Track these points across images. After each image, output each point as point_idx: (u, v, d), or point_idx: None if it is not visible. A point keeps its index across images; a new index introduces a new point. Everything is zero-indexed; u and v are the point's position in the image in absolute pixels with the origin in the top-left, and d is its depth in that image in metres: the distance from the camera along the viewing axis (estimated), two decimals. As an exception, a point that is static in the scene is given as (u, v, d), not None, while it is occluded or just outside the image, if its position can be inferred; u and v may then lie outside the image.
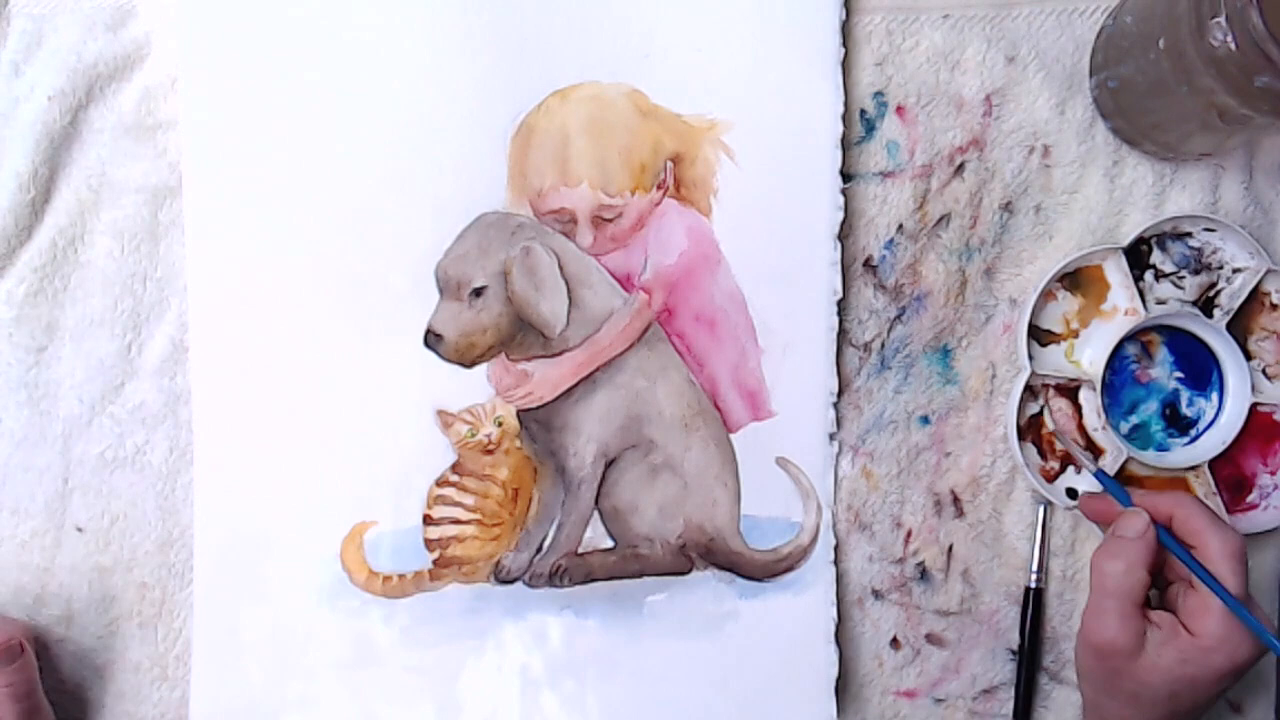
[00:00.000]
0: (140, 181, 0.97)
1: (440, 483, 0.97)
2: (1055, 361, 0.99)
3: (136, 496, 0.98)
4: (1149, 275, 0.99)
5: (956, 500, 1.00)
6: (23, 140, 0.96)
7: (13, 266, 0.97)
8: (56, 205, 0.97)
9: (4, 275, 0.97)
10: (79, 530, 0.98)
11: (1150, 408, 1.01)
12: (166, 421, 0.98)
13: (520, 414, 0.97)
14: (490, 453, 0.97)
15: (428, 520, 0.97)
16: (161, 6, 0.97)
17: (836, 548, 0.99)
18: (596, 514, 0.98)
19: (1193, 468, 0.99)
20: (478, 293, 0.95)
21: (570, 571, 0.97)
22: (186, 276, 0.97)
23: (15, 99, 0.97)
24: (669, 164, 0.96)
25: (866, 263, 0.98)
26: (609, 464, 0.98)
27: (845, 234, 0.97)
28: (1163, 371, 1.00)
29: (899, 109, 0.98)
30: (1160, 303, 0.99)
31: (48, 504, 0.98)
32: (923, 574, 1.00)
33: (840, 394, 0.98)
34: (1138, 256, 0.99)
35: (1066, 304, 0.99)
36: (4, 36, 0.97)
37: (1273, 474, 1.00)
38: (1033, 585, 1.00)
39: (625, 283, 0.97)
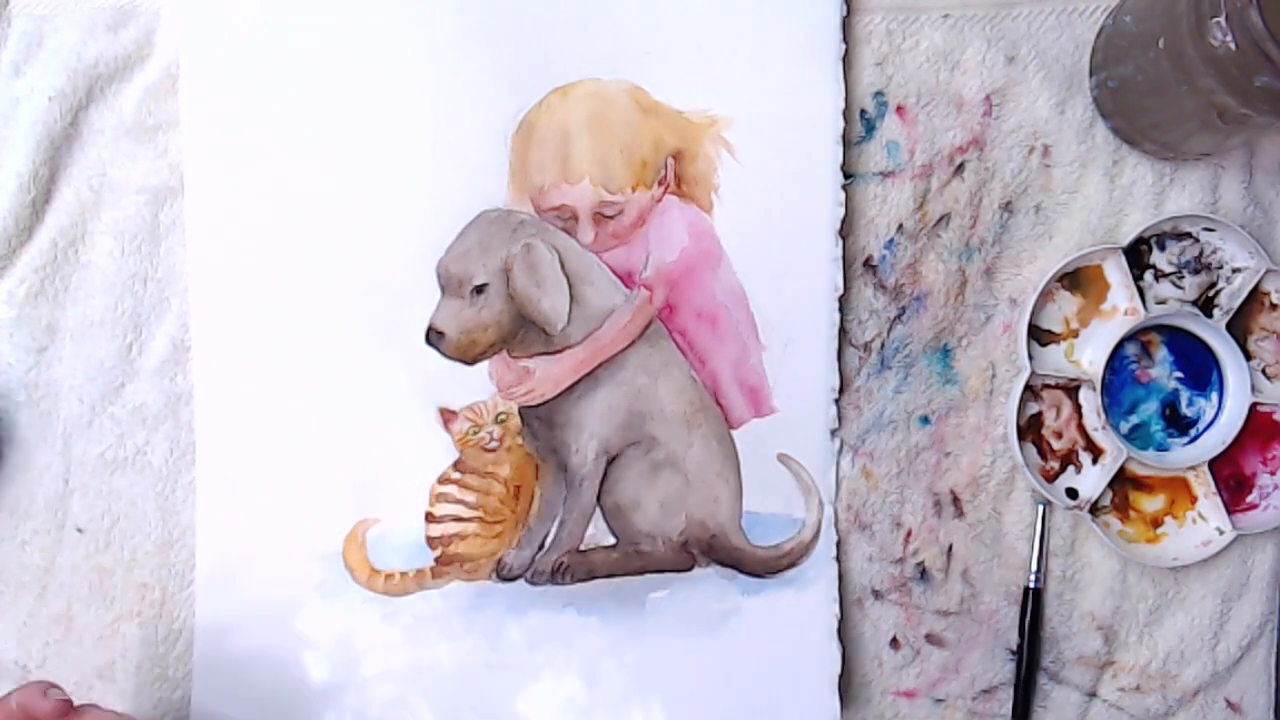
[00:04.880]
0: (141, 182, 0.97)
1: (442, 480, 0.97)
2: (1055, 361, 0.99)
3: (137, 497, 0.98)
4: (1149, 275, 0.99)
5: (956, 500, 1.00)
6: (23, 141, 0.96)
7: (13, 267, 0.97)
8: (57, 206, 0.97)
9: (4, 276, 0.97)
10: (79, 531, 0.98)
11: (1150, 408, 1.01)
12: (167, 422, 0.98)
13: (522, 411, 0.97)
14: (492, 450, 0.97)
15: (430, 518, 0.97)
16: (161, 7, 0.97)
17: (837, 546, 0.99)
18: (598, 511, 0.98)
19: (1192, 468, 0.99)
20: (479, 290, 0.95)
21: (572, 569, 0.97)
22: (187, 277, 0.97)
23: (15, 99, 0.97)
24: (670, 160, 0.96)
25: (866, 262, 0.99)
26: (611, 461, 0.98)
27: (845, 233, 0.97)
28: (1162, 371, 1.00)
29: (899, 109, 0.98)
30: (1160, 302, 0.99)
31: (48, 504, 0.98)
32: (922, 574, 1.00)
33: (840, 394, 0.98)
34: (1137, 256, 0.99)
35: (1066, 304, 0.99)
36: (4, 37, 0.97)
37: (1273, 474, 1.00)
38: (1032, 585, 1.00)
39: (626, 280, 0.97)
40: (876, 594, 1.00)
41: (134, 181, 0.97)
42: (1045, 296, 0.98)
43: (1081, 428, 1.00)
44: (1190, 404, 1.01)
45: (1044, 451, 1.00)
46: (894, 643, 1.00)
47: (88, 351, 0.98)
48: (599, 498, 0.98)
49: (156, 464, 0.98)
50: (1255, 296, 0.99)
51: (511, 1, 0.95)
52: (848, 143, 0.97)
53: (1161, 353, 1.00)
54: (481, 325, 0.95)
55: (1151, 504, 1.00)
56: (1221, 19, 0.80)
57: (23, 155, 0.96)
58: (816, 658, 0.98)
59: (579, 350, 0.97)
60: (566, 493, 0.98)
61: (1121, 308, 0.98)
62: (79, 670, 0.98)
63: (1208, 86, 0.84)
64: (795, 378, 0.97)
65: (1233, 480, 1.00)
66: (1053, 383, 0.99)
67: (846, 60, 0.97)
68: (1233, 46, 0.80)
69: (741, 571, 0.98)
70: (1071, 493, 0.99)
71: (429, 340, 0.96)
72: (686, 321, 0.97)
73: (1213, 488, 0.99)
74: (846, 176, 0.97)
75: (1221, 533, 0.98)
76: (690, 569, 0.99)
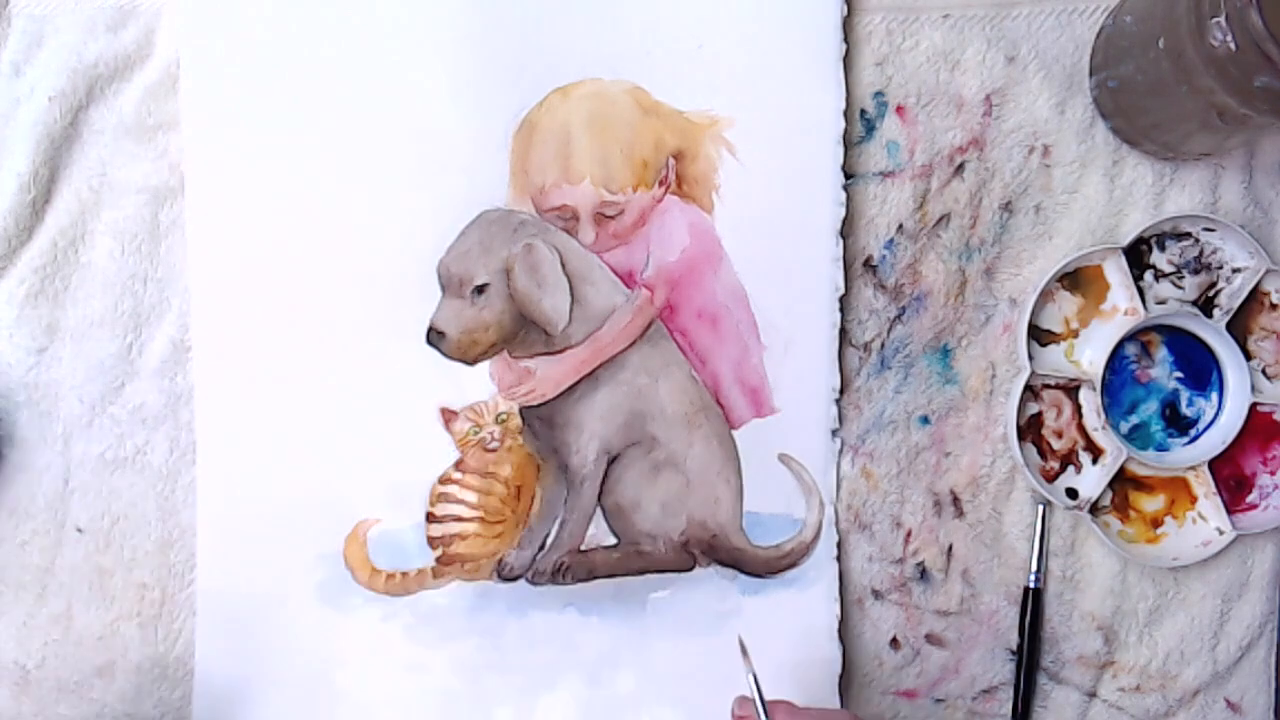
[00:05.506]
0: (141, 182, 0.97)
1: (443, 480, 0.97)
2: (1055, 361, 0.99)
3: (137, 497, 0.98)
4: (1149, 275, 0.99)
5: (956, 500, 1.00)
6: (23, 141, 0.96)
7: (13, 267, 0.97)
8: (57, 206, 0.97)
9: (5, 276, 0.97)
10: (79, 531, 0.98)
11: (1150, 407, 1.01)
12: (167, 422, 0.98)
13: (523, 411, 0.97)
14: (493, 450, 0.97)
15: (430, 518, 0.97)
16: (161, 7, 0.97)
17: (838, 546, 0.99)
18: (599, 511, 0.99)
19: (1192, 468, 0.99)
20: (480, 290, 0.95)
21: (573, 569, 0.98)
22: (188, 277, 0.97)
23: (15, 99, 0.97)
24: (671, 161, 0.96)
25: (866, 262, 0.99)
26: (611, 461, 0.98)
27: (845, 233, 0.97)
28: (1162, 371, 1.01)
29: (899, 109, 0.98)
30: (1160, 303, 0.99)
31: (48, 504, 0.98)
32: (922, 574, 1.00)
33: (840, 394, 0.98)
34: (1137, 256, 0.99)
35: (1066, 304, 0.99)
36: (4, 37, 0.97)
37: (1273, 474, 1.00)
38: (1032, 585, 1.00)
39: (627, 280, 0.97)
40: (876, 594, 1.00)
41: (134, 181, 0.97)
42: (1045, 296, 0.98)
43: (1081, 428, 1.00)
44: (1190, 404, 1.01)
45: (1044, 451, 1.00)
46: (894, 643, 1.00)
47: (88, 351, 0.98)
48: (600, 498, 0.98)
49: (156, 464, 0.98)
50: (1255, 296, 0.99)
51: (513, 2, 0.96)
52: (848, 143, 0.97)
53: (1161, 353, 1.00)
54: (482, 325, 0.95)
55: (1151, 504, 1.01)
56: (1221, 19, 0.80)
57: (23, 155, 0.96)
58: (817, 658, 0.99)
59: (580, 350, 0.97)
60: (567, 493, 0.98)
61: (1121, 308, 0.98)
62: (79, 670, 0.98)
63: (1208, 86, 0.84)
64: (796, 378, 0.98)
65: (1233, 480, 1.00)
66: (1053, 383, 0.99)
67: (846, 60, 0.97)
68: (1233, 46, 0.80)
69: (742, 571, 0.99)
70: (1071, 493, 0.99)
71: (430, 340, 0.96)
72: (687, 321, 0.97)
73: (1213, 488, 0.99)
74: (847, 176, 0.97)
75: (1221, 533, 0.98)
76: (691, 569, 0.99)
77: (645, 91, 0.96)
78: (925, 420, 1.00)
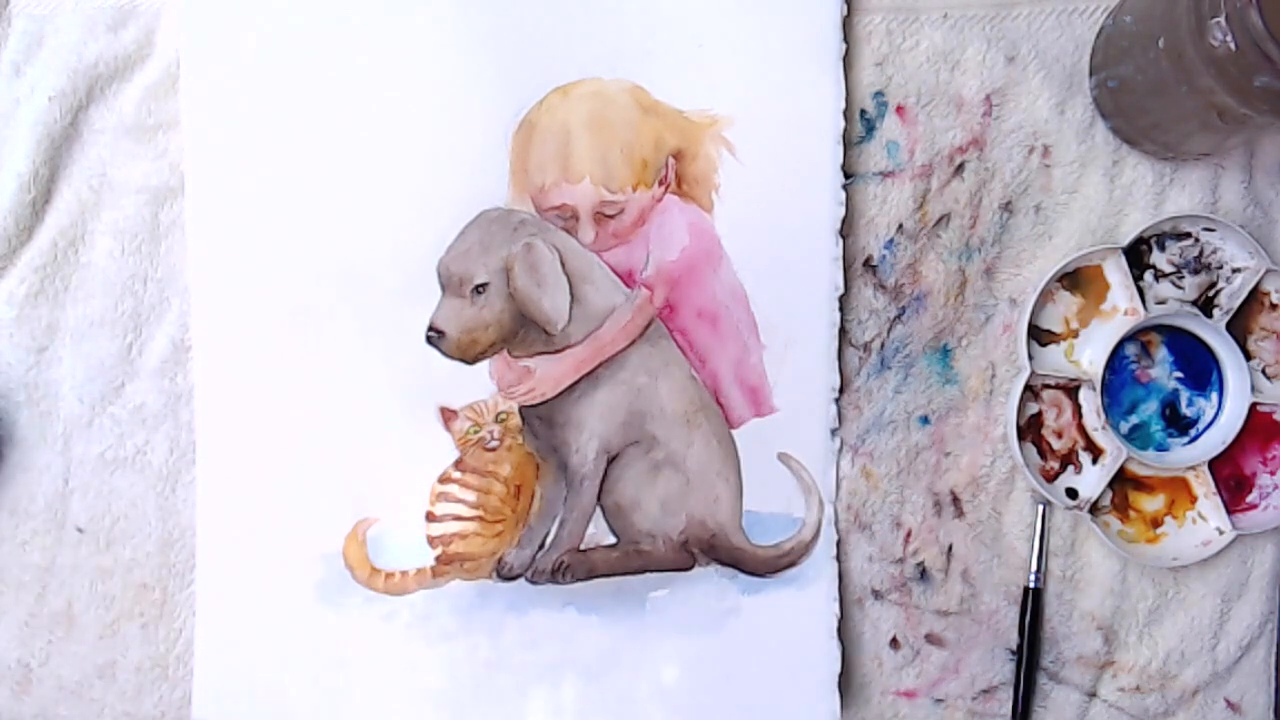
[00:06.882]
0: (141, 182, 0.97)
1: (443, 479, 0.97)
2: (1055, 361, 0.99)
3: (137, 497, 0.98)
4: (1149, 275, 0.99)
5: (956, 500, 1.00)
6: (23, 140, 0.97)
7: (13, 267, 0.97)
8: (57, 206, 0.97)
9: (5, 276, 0.97)
10: (79, 531, 0.98)
11: (1150, 407, 1.01)
12: (167, 422, 0.98)
13: (522, 410, 0.97)
14: (492, 449, 0.97)
15: (430, 517, 0.97)
16: (161, 7, 0.97)
17: (837, 545, 0.99)
18: (599, 510, 0.99)
19: (1192, 468, 0.99)
20: (480, 289, 0.95)
21: (573, 568, 0.98)
22: (188, 276, 0.97)
23: (16, 99, 0.97)
24: (671, 160, 0.96)
25: (866, 262, 0.99)
26: (611, 460, 0.98)
27: (845, 233, 0.97)
28: (1162, 371, 1.00)
29: (899, 109, 0.98)
30: (1160, 302, 0.98)
31: (48, 504, 0.98)
32: (922, 574, 1.00)
33: (840, 393, 0.98)
34: (1137, 256, 0.99)
35: (1066, 304, 0.99)
36: (4, 37, 0.97)
37: (1273, 474, 1.00)
38: (1032, 585, 0.99)
39: (627, 279, 0.97)
40: (876, 594, 1.00)
41: (134, 181, 0.97)
42: (1045, 296, 0.98)
43: (1081, 428, 1.00)
44: (1190, 404, 1.01)
45: (1044, 451, 1.00)
46: (894, 643, 1.00)
47: (88, 351, 0.98)
48: (599, 497, 0.98)
49: (156, 464, 0.98)
50: (1255, 296, 0.99)
51: (513, 2, 0.96)
52: (848, 143, 0.97)
53: (1161, 353, 1.00)
54: (482, 324, 0.95)
55: (1151, 504, 1.00)
56: (1221, 19, 0.80)
57: (23, 155, 0.96)
58: (817, 657, 0.98)
59: (579, 349, 0.97)
60: (567, 492, 0.98)
61: (1121, 308, 0.98)
62: (79, 670, 0.98)
63: (1208, 86, 0.84)
64: (795, 377, 0.97)
65: (1232, 480, 1.00)
66: (1053, 383, 0.99)
67: (846, 60, 0.97)
68: (1233, 46, 0.80)
69: (742, 571, 0.98)
70: (1071, 493, 0.99)
71: (429, 340, 0.95)
72: (687, 321, 0.97)
73: (1213, 488, 0.99)
74: (846, 176, 0.97)
75: (1221, 533, 0.98)
76: (690, 568, 0.99)
77: (645, 91, 0.96)
78: (925, 420, 1.00)
